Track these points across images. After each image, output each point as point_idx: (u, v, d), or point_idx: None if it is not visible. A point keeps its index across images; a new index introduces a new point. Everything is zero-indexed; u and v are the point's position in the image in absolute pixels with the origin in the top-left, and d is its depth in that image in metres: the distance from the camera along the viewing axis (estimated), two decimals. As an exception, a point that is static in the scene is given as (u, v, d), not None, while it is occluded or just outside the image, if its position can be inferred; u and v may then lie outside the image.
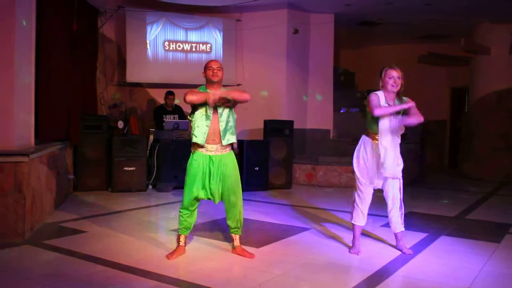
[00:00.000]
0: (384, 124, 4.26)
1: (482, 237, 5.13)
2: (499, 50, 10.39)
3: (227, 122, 4.21)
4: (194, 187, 4.20)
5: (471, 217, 6.40)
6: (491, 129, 10.50)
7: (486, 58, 10.59)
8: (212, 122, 4.16)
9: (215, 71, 4.20)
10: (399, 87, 4.27)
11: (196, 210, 4.39)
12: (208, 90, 4.20)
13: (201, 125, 4.16)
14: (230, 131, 4.23)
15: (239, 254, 4.27)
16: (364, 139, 4.49)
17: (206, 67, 4.25)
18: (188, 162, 4.27)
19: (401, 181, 4.42)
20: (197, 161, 4.19)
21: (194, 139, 4.17)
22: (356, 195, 4.50)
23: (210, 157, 4.19)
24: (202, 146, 4.18)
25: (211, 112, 4.17)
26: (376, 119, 4.28)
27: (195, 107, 4.20)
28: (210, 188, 4.22)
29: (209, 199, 4.30)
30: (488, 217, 6.39)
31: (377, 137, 4.32)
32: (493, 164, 10.44)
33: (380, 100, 4.28)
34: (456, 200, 7.70)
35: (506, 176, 10.25)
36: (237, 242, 4.34)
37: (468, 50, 10.64)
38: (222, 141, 4.18)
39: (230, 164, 4.26)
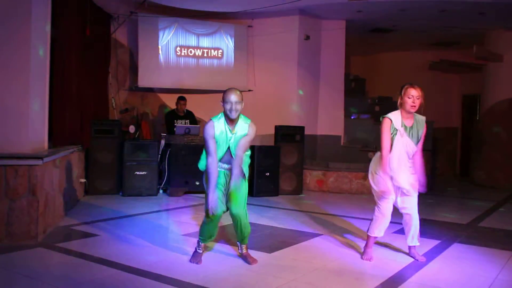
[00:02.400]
0: (395, 149, 4.25)
1: (495, 245, 5.08)
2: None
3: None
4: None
5: (484, 225, 6.35)
6: (503, 136, 10.43)
7: (498, 65, 10.54)
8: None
9: (233, 106, 3.92)
10: (417, 107, 4.24)
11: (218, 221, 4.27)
12: (225, 122, 4.03)
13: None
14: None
15: (244, 258, 4.26)
16: (377, 156, 4.43)
17: (224, 100, 3.95)
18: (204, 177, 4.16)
19: (417, 199, 4.40)
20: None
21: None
22: (376, 209, 4.44)
23: (224, 172, 4.11)
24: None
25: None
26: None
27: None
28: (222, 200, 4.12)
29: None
30: (501, 225, 6.34)
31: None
32: (506, 172, 10.35)
33: (395, 123, 4.25)
34: (468, 208, 7.64)
35: (519, 184, 10.17)
36: (243, 250, 4.29)
37: (480, 57, 10.58)
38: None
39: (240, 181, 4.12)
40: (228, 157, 4.09)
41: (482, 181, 10.70)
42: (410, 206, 4.37)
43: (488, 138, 10.71)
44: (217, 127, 4.02)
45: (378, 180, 4.35)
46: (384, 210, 4.37)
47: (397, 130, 4.26)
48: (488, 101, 10.84)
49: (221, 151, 4.05)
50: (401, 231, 5.40)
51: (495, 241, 5.32)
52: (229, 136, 4.03)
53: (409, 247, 4.52)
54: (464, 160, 12.85)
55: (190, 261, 4.16)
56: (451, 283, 3.82)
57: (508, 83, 10.40)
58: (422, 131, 4.34)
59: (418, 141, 4.31)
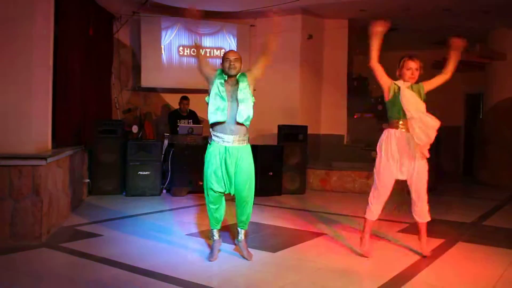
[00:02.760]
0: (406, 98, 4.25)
1: (499, 244, 5.06)
2: (515, 56, 10.31)
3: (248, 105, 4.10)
4: (211, 179, 4.12)
5: (488, 224, 6.33)
6: (507, 135, 10.39)
7: (501, 64, 10.51)
8: (230, 105, 4.07)
9: (232, 63, 4.10)
10: (416, 78, 4.31)
11: (224, 202, 4.30)
12: (225, 79, 4.11)
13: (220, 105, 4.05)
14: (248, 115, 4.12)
15: (239, 251, 4.27)
16: (387, 132, 4.41)
17: (223, 58, 4.14)
18: (206, 154, 4.20)
19: (426, 175, 4.36)
20: (213, 152, 4.12)
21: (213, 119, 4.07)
22: (373, 187, 4.47)
23: (226, 148, 4.11)
24: (217, 136, 4.09)
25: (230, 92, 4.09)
26: (396, 106, 4.28)
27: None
28: (224, 180, 4.13)
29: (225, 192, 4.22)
30: (506, 224, 6.31)
31: (400, 122, 4.29)
32: (510, 171, 10.31)
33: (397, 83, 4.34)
34: (472, 207, 7.62)
35: (523, 183, 10.13)
36: (241, 236, 4.29)
37: (483, 56, 10.55)
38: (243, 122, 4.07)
39: (247, 157, 4.16)
40: (230, 123, 4.07)
41: (485, 180, 10.67)
42: (420, 184, 4.33)
43: (491, 136, 10.68)
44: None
45: (382, 160, 4.36)
46: (380, 189, 4.38)
47: (398, 86, 4.31)
48: (491, 100, 10.81)
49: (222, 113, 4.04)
50: (405, 230, 5.41)
51: (499, 240, 5.30)
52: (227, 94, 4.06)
53: (420, 231, 4.49)
54: (467, 159, 12.81)
55: (208, 259, 4.14)
56: (455, 283, 3.81)
57: (511, 82, 10.37)
58: (423, 90, 4.37)
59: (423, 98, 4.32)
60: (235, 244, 4.41)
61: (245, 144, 4.19)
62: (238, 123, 4.08)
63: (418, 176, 4.32)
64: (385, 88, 4.39)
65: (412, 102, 4.26)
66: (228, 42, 10.07)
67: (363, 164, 8.99)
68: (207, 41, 9.99)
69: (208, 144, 4.22)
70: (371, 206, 4.47)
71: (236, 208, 4.30)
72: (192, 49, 9.87)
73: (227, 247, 4.67)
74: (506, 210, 7.51)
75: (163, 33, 9.66)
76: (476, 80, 12.11)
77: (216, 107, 4.05)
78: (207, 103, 4.14)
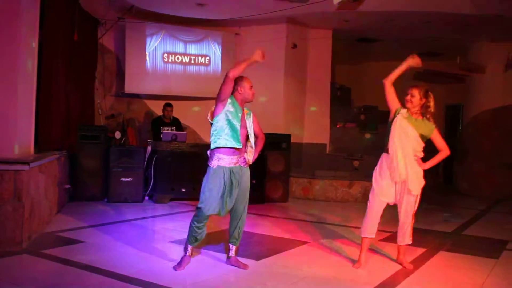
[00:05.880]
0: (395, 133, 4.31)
1: (480, 253, 5.15)
2: (494, 68, 10.52)
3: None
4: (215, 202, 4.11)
5: (468, 233, 6.42)
6: (486, 147, 10.58)
7: (481, 76, 10.71)
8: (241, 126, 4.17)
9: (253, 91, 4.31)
10: (415, 105, 4.36)
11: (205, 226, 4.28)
12: (237, 105, 4.19)
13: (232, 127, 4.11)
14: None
15: (233, 265, 4.26)
16: (381, 156, 4.50)
17: (246, 84, 4.28)
18: (208, 175, 4.13)
19: (418, 198, 4.44)
20: (217, 175, 4.09)
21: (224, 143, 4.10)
22: (367, 207, 4.51)
23: (230, 170, 4.12)
24: (222, 158, 4.08)
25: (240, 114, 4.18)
26: (389, 129, 4.36)
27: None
28: (224, 203, 4.14)
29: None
30: (485, 233, 6.42)
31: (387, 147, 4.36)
32: (488, 182, 10.49)
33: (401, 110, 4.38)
34: (452, 216, 7.71)
35: (501, 193, 10.29)
36: (232, 253, 4.33)
37: (463, 68, 10.75)
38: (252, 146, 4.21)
39: (247, 177, 4.29)
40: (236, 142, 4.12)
41: (465, 190, 10.83)
42: (408, 205, 4.40)
43: (471, 147, 10.86)
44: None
45: (376, 179, 4.41)
46: (374, 206, 4.41)
47: (399, 113, 4.36)
48: (471, 111, 11.01)
49: (234, 132, 4.10)
50: (388, 239, 5.45)
51: (479, 249, 5.39)
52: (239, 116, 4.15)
53: (399, 252, 4.56)
54: (447, 169, 12.98)
55: (174, 267, 4.12)
56: (438, 291, 3.86)
57: (490, 94, 10.57)
58: (426, 134, 4.41)
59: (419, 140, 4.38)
60: (227, 259, 4.39)
61: (247, 166, 4.30)
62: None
63: (407, 199, 4.38)
64: (392, 110, 4.44)
65: (397, 133, 4.31)
66: (213, 50, 10.08)
67: (346, 173, 9.05)
68: (192, 48, 9.98)
69: (209, 167, 4.15)
70: (367, 225, 4.49)
71: (231, 224, 4.31)
72: (177, 56, 9.84)
73: (212, 254, 4.66)
74: (485, 220, 7.62)
75: (148, 40, 9.63)
76: (456, 92, 12.32)
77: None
78: (211, 123, 4.16)
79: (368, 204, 4.51)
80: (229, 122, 4.07)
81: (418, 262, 4.66)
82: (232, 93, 4.18)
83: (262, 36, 9.94)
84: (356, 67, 13.81)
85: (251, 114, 4.32)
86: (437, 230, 6.48)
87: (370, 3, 7.76)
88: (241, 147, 4.14)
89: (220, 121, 4.09)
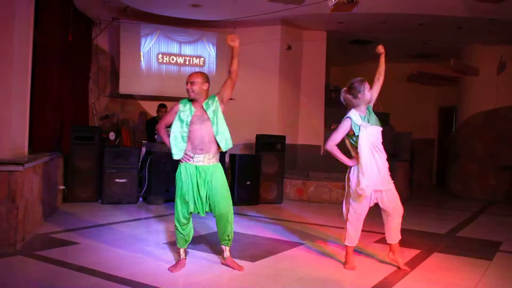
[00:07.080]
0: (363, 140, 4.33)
1: (473, 255, 5.17)
2: (488, 71, 10.58)
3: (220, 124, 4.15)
4: (183, 199, 4.15)
5: (462, 235, 6.45)
6: (479, 149, 10.64)
7: (474, 79, 10.78)
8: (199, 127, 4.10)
9: (188, 86, 4.14)
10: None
11: (191, 222, 4.33)
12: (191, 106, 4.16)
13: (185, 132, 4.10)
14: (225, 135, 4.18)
15: (229, 265, 4.26)
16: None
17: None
18: (177, 173, 4.21)
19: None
20: (184, 172, 4.13)
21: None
22: (349, 216, 4.45)
23: (196, 167, 4.12)
24: (189, 157, 4.10)
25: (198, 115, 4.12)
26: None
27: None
28: (196, 200, 4.15)
29: (197, 212, 4.22)
30: (478, 235, 6.45)
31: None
32: (481, 184, 10.56)
33: (355, 120, 4.43)
34: (445, 218, 7.76)
35: (494, 195, 10.36)
36: (227, 254, 4.31)
37: (457, 70, 10.81)
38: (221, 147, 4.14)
39: (219, 175, 4.17)
40: (200, 140, 4.09)
41: (458, 192, 10.89)
42: (394, 200, 4.38)
43: (464, 149, 10.92)
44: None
45: (355, 182, 4.37)
46: (361, 211, 4.39)
47: (358, 126, 4.35)
48: (464, 114, 11.07)
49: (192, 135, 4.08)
50: (382, 241, 5.46)
51: (472, 250, 5.42)
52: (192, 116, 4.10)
53: (393, 251, 4.52)
54: (440, 171, 13.06)
55: (169, 269, 4.12)
56: (432, 292, 3.87)
57: (483, 96, 10.64)
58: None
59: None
60: (222, 259, 4.38)
61: (216, 162, 4.20)
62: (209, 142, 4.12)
63: (389, 194, 4.38)
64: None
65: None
66: (207, 50, 10.09)
67: (340, 175, 9.03)
68: (186, 49, 9.98)
69: (179, 164, 4.19)
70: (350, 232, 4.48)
71: (217, 227, 4.29)
72: (171, 57, 9.84)
73: (206, 256, 4.66)
74: (478, 221, 7.66)
75: (143, 40, 9.62)
76: (449, 94, 12.40)
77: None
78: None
79: (350, 214, 4.44)
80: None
81: (412, 264, 4.67)
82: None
83: (256, 37, 9.97)
84: (350, 69, 13.84)
85: (215, 99, 4.23)
86: (431, 231, 6.51)
87: (365, 5, 7.78)
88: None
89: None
